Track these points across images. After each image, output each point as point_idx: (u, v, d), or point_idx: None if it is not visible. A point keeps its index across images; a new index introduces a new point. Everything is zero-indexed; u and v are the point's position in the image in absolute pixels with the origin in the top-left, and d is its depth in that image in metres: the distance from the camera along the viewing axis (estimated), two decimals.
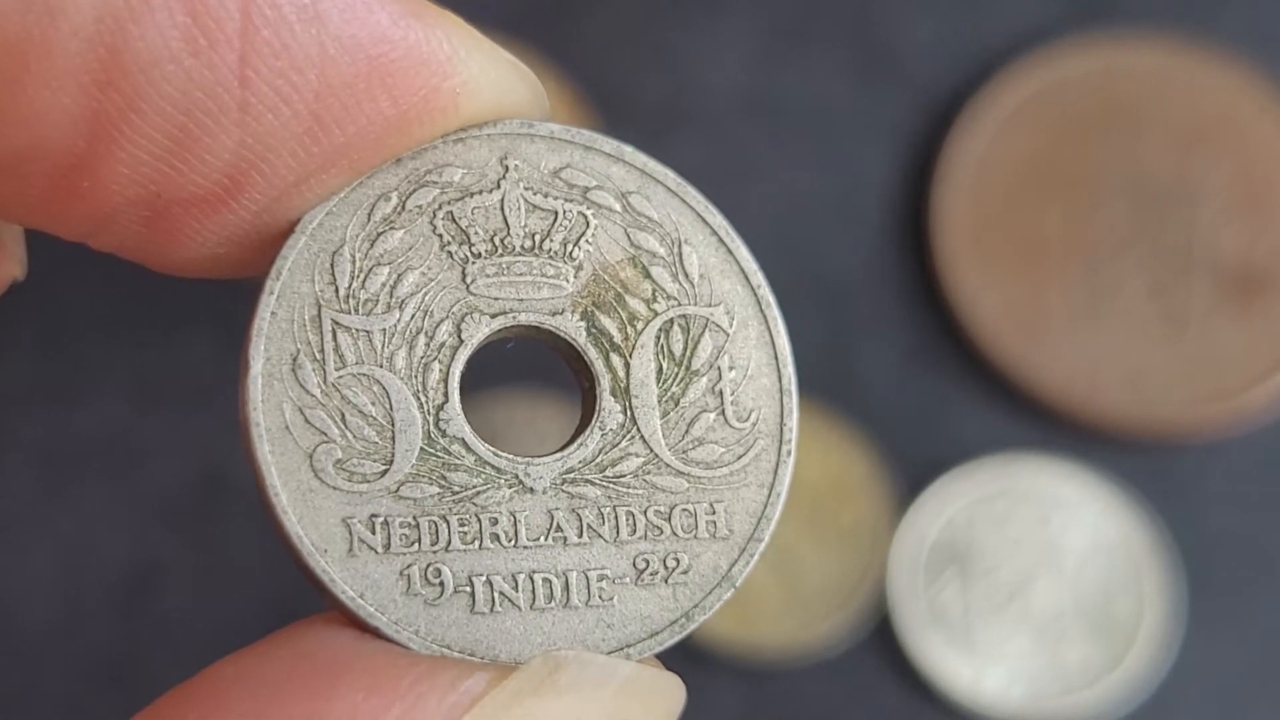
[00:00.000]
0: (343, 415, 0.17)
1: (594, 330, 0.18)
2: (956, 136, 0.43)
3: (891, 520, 0.41)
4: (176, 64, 0.15)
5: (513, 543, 0.17)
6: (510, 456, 0.17)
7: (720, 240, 0.18)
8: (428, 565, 0.17)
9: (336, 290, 0.17)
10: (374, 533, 0.17)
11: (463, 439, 0.17)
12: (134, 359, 0.42)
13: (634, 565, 0.17)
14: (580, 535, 0.17)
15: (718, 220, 0.18)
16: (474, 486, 0.17)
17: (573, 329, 0.18)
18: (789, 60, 0.44)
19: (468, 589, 0.17)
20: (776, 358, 0.18)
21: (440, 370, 0.17)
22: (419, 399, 0.17)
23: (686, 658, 0.39)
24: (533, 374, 0.38)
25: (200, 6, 0.15)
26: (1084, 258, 0.43)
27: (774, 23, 0.44)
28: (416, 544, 0.17)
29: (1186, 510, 0.42)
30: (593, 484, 0.18)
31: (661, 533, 0.18)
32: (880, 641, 0.41)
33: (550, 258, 0.18)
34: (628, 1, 0.44)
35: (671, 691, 0.17)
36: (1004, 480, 0.41)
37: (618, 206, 0.18)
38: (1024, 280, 0.42)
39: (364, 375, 0.17)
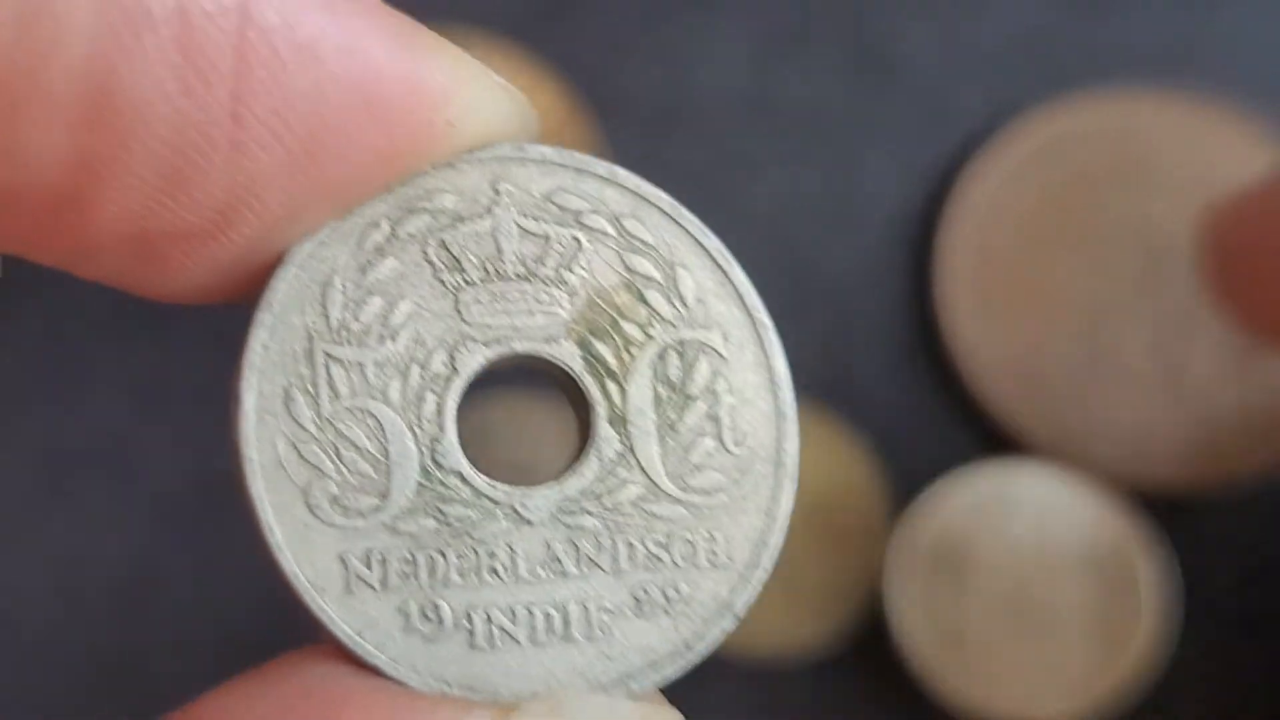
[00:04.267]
0: (337, 449, 0.17)
1: (589, 357, 0.18)
2: (963, 184, 0.43)
3: (888, 523, 0.41)
4: (169, 103, 0.15)
5: (511, 576, 0.17)
6: (507, 488, 0.17)
7: (715, 263, 0.18)
8: (426, 601, 0.17)
9: (328, 321, 0.17)
10: (371, 569, 0.17)
11: (459, 471, 0.17)
12: (133, 359, 0.42)
13: (634, 596, 0.17)
14: (578, 566, 0.17)
15: (713, 243, 0.18)
16: (471, 519, 0.17)
17: (568, 356, 0.18)
18: (787, 62, 0.44)
19: (466, 624, 0.17)
20: (774, 381, 0.18)
21: (435, 401, 0.17)
22: (414, 431, 0.17)
23: None
24: (516, 377, 0.38)
25: (193, 45, 0.15)
26: (1088, 312, 0.42)
27: (772, 25, 0.44)
28: (414, 579, 0.17)
29: (1183, 514, 0.42)
30: (590, 514, 0.17)
31: (661, 562, 0.17)
32: (876, 643, 0.41)
33: (544, 284, 0.18)
34: (626, 2, 0.44)
35: None
36: (1000, 485, 0.41)
37: (611, 230, 0.18)
38: (1026, 331, 0.42)
39: (358, 408, 0.17)
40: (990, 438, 0.42)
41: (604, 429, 0.18)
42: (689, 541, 0.18)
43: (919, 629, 0.41)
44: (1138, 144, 0.43)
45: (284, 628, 0.40)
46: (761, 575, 0.18)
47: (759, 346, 0.18)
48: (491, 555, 0.17)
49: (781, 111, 0.44)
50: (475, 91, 0.17)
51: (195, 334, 0.42)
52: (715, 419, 0.18)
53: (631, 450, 0.18)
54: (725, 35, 0.44)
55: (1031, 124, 0.43)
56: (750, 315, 0.18)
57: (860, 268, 0.43)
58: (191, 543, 0.41)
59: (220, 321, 0.42)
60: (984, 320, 0.42)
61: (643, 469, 0.18)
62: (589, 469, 0.18)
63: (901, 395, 0.42)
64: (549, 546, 0.17)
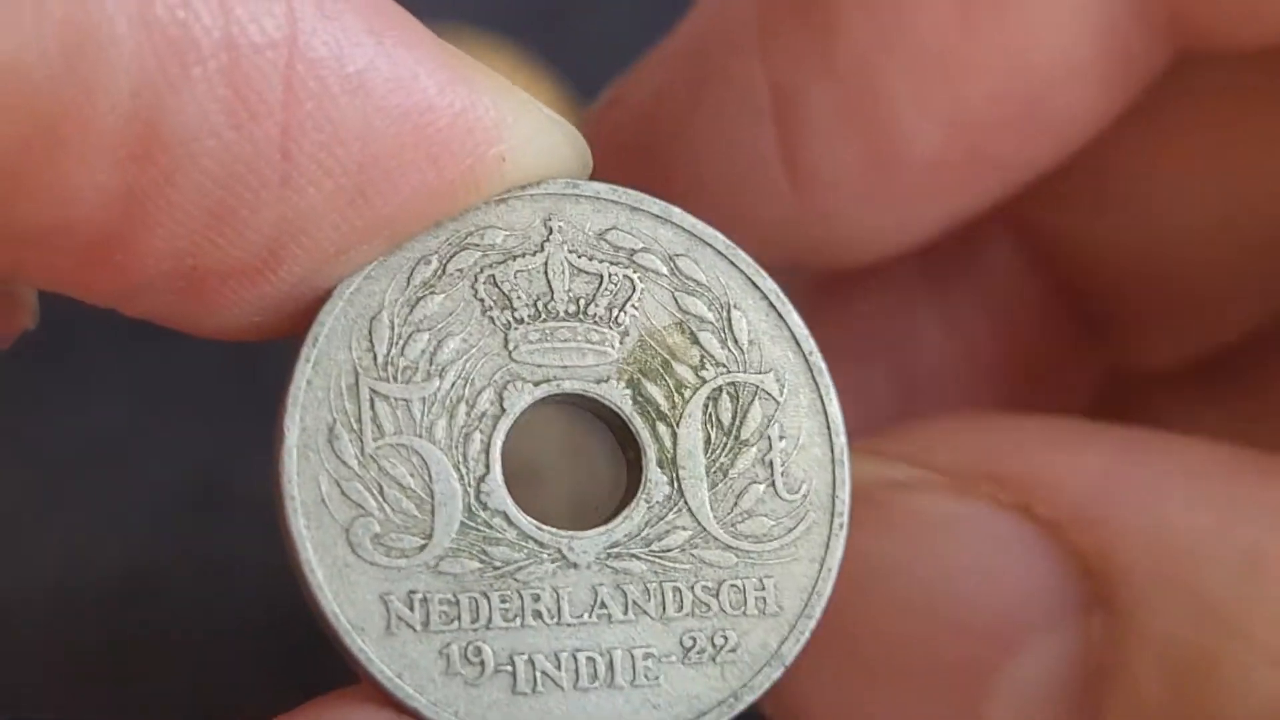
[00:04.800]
0: (380, 488, 0.16)
1: (640, 398, 0.17)
2: None
3: None
4: (216, 137, 0.15)
5: (555, 620, 0.17)
6: (554, 531, 0.17)
7: (771, 304, 0.18)
8: (468, 644, 0.16)
9: (375, 357, 0.17)
10: (412, 610, 0.16)
11: (505, 512, 0.17)
12: (133, 361, 0.41)
13: (681, 643, 0.17)
14: (625, 612, 0.17)
15: (768, 284, 0.18)
16: (516, 561, 0.17)
17: (618, 397, 0.17)
18: None
19: (509, 668, 0.17)
20: (829, 426, 0.18)
21: (481, 440, 0.17)
22: (459, 470, 0.17)
23: None
24: None
25: (242, 78, 0.15)
26: None
27: None
28: (456, 621, 0.16)
29: None
30: (638, 558, 0.17)
31: (709, 609, 0.17)
32: None
33: (595, 323, 0.17)
34: (625, 4, 0.43)
35: None
36: None
37: (665, 270, 0.18)
38: None
39: (403, 446, 0.17)
40: None
41: (654, 472, 0.17)
42: (738, 589, 0.17)
43: None
44: None
45: (283, 626, 0.40)
46: (812, 625, 0.17)
47: (814, 391, 0.18)
48: (536, 599, 0.17)
49: None
50: (528, 125, 0.17)
51: (197, 341, 0.41)
52: (768, 464, 0.18)
53: (681, 494, 0.17)
54: None
55: None
56: (806, 359, 0.18)
57: None
58: (190, 543, 0.41)
59: None
60: None
61: (692, 513, 0.17)
62: (638, 513, 0.17)
63: None
64: (595, 591, 0.17)
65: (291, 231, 0.16)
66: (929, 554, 0.20)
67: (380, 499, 0.16)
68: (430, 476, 0.17)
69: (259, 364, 0.41)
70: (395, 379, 0.17)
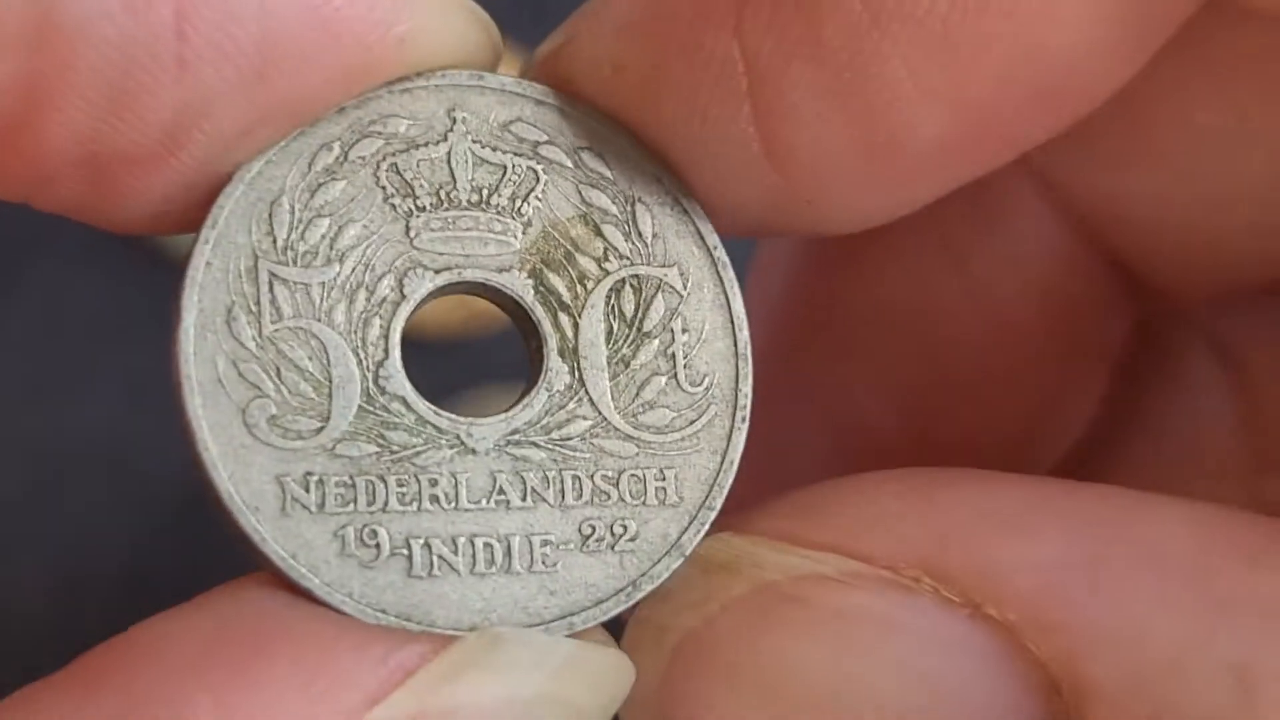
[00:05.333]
0: (278, 370, 0.16)
1: (542, 289, 0.17)
2: None
3: None
4: (111, 21, 0.15)
5: (453, 505, 0.17)
6: (452, 416, 0.17)
7: (676, 200, 0.18)
8: (364, 526, 0.16)
9: (274, 241, 0.17)
10: (308, 491, 0.16)
11: (403, 397, 0.17)
12: (130, 359, 0.42)
13: (579, 531, 0.17)
14: (524, 499, 0.17)
15: (671, 180, 0.18)
16: (414, 446, 0.17)
17: (520, 286, 0.17)
18: None
19: (405, 551, 0.16)
20: (732, 321, 0.18)
21: (381, 326, 0.17)
22: (358, 355, 0.17)
23: None
24: (523, 373, 0.37)
25: None
26: None
27: None
28: (352, 504, 0.16)
29: None
30: (538, 446, 0.17)
31: (609, 498, 0.17)
32: None
33: (498, 213, 0.17)
34: None
35: (617, 671, 0.17)
36: None
37: (569, 163, 0.18)
38: None
39: (301, 329, 0.17)
40: None
41: (554, 361, 0.17)
42: (638, 479, 0.17)
43: None
44: None
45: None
46: (712, 515, 0.17)
47: (718, 286, 0.18)
48: (434, 483, 0.17)
49: None
50: (429, 8, 0.17)
51: None
52: (670, 357, 0.18)
53: (582, 383, 0.17)
54: None
55: None
56: (710, 254, 0.18)
57: None
58: (188, 541, 0.41)
59: None
60: None
61: (593, 403, 0.17)
62: (538, 401, 0.17)
63: None
64: (494, 477, 0.17)
65: (191, 114, 0.16)
66: (863, 661, 0.17)
67: (277, 381, 0.16)
68: (328, 360, 0.17)
69: None
70: (295, 263, 0.17)
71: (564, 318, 0.17)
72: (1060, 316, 0.24)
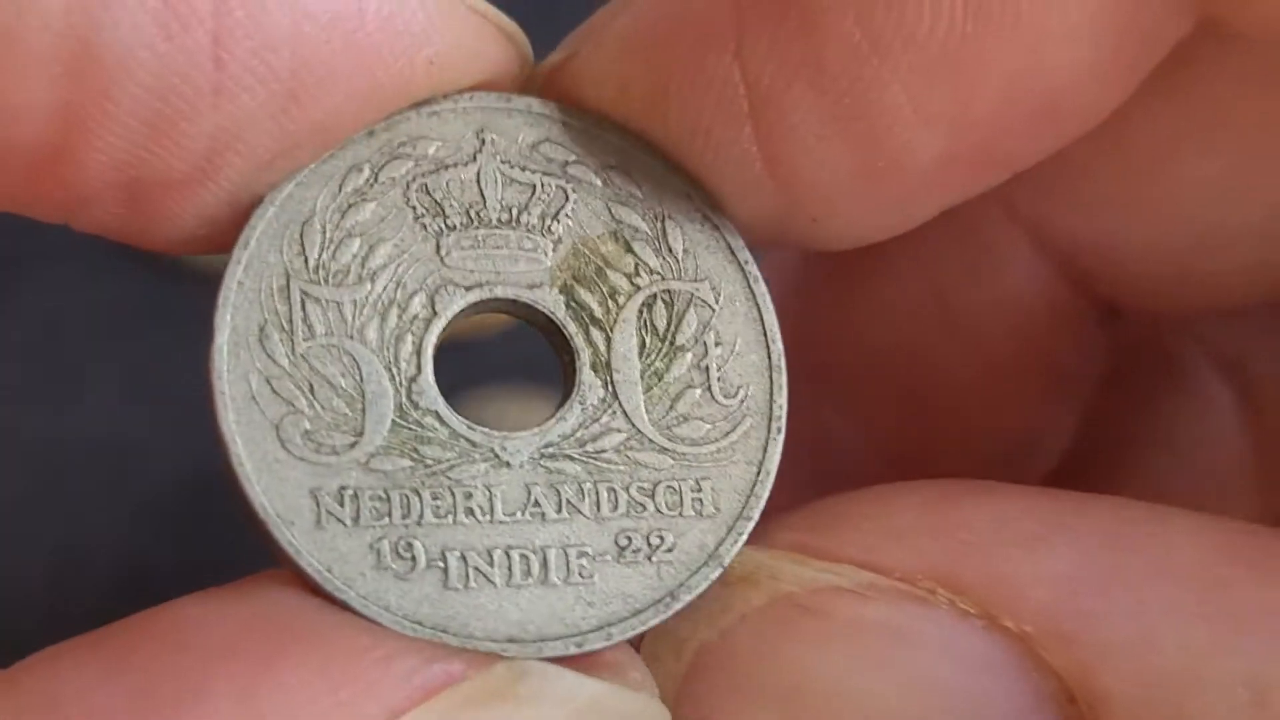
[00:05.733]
0: (311, 386, 0.17)
1: (574, 304, 0.18)
2: None
3: None
4: (149, 49, 0.15)
5: (488, 518, 0.17)
6: (486, 430, 0.17)
7: (706, 216, 0.18)
8: (399, 539, 0.17)
9: (306, 261, 0.17)
10: (343, 505, 0.16)
11: (436, 411, 0.17)
12: (126, 359, 0.42)
13: (616, 542, 0.17)
14: (559, 511, 0.17)
15: (702, 195, 0.18)
16: (448, 460, 0.17)
17: (551, 302, 0.17)
18: None
19: (441, 564, 0.17)
20: (765, 334, 0.18)
21: (413, 342, 0.17)
22: (391, 371, 0.17)
23: None
24: (524, 372, 0.37)
25: None
26: None
27: None
28: (387, 517, 0.17)
29: None
30: (572, 459, 0.17)
31: (645, 510, 0.17)
32: None
33: (528, 231, 0.17)
34: None
35: (643, 716, 0.17)
36: None
37: (598, 181, 0.18)
38: None
39: (334, 347, 0.17)
40: None
41: (587, 375, 0.17)
42: (674, 490, 0.17)
43: None
44: None
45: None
46: (749, 526, 0.17)
47: (750, 300, 0.18)
48: (469, 496, 0.17)
49: None
50: (457, 29, 0.17)
51: (187, 334, 0.42)
52: (704, 370, 0.18)
53: (615, 397, 0.17)
54: None
55: None
56: (742, 268, 0.18)
57: None
58: (186, 541, 0.41)
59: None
60: None
61: (627, 416, 0.17)
62: (571, 414, 0.17)
63: None
64: (529, 490, 0.17)
65: (227, 139, 0.16)
66: (878, 673, 0.17)
67: (311, 397, 0.17)
68: (361, 376, 0.17)
69: None
70: (326, 282, 0.17)
71: (596, 332, 0.18)
72: (1043, 353, 0.25)
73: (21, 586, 0.41)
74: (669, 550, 0.17)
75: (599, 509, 0.17)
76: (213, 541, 0.41)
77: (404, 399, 0.17)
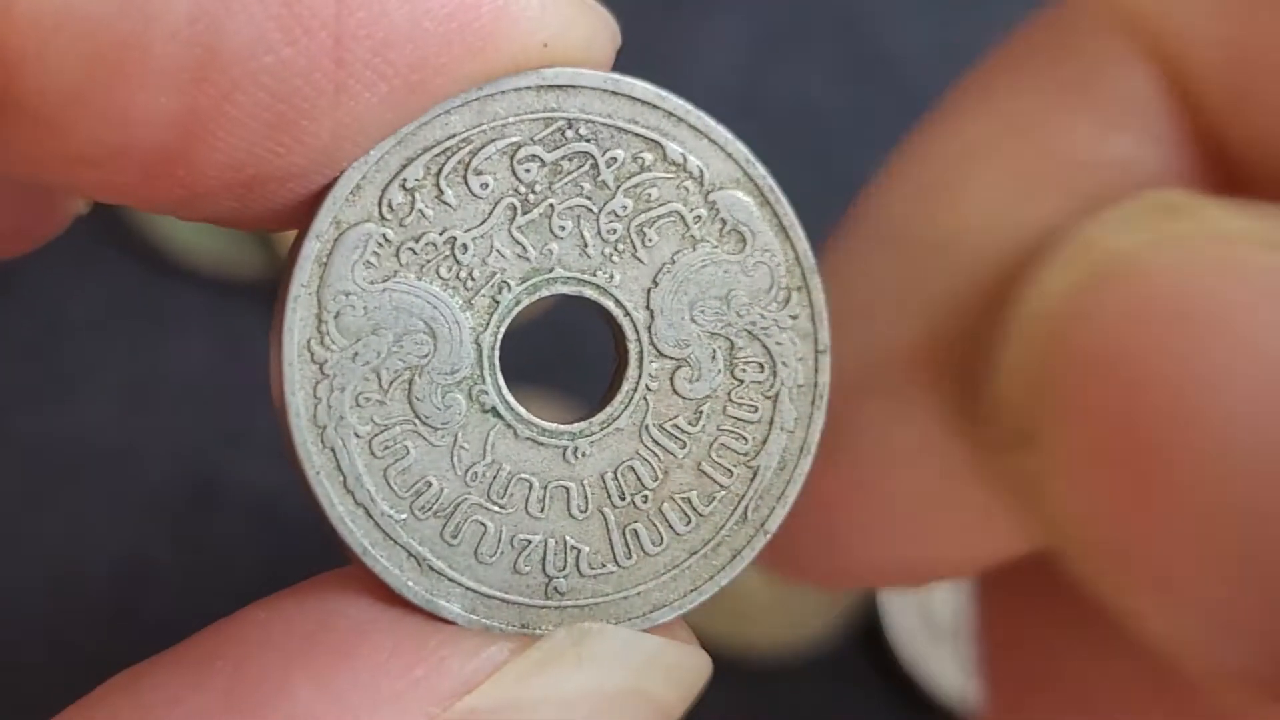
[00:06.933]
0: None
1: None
2: None
3: None
4: (273, 53, 0.15)
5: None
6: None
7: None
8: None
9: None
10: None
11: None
12: (124, 360, 0.42)
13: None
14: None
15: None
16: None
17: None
18: (781, 63, 0.44)
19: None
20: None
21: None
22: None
23: None
24: (520, 374, 0.38)
25: None
26: None
27: (766, 25, 0.44)
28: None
29: None
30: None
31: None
32: (870, 643, 0.41)
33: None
34: (619, 3, 0.44)
35: (695, 666, 0.18)
36: None
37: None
38: None
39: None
40: None
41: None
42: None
43: (912, 627, 0.41)
44: None
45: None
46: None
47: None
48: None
49: (774, 112, 0.44)
50: (566, 12, 0.17)
51: (186, 336, 0.42)
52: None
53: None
54: (719, 36, 0.44)
55: None
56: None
57: None
58: (181, 546, 0.41)
59: (212, 323, 0.42)
60: None
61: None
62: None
63: None
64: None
65: (347, 134, 0.16)
66: None
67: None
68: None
69: (251, 360, 0.42)
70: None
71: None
72: None
73: (21, 588, 0.41)
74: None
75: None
76: (212, 545, 0.42)
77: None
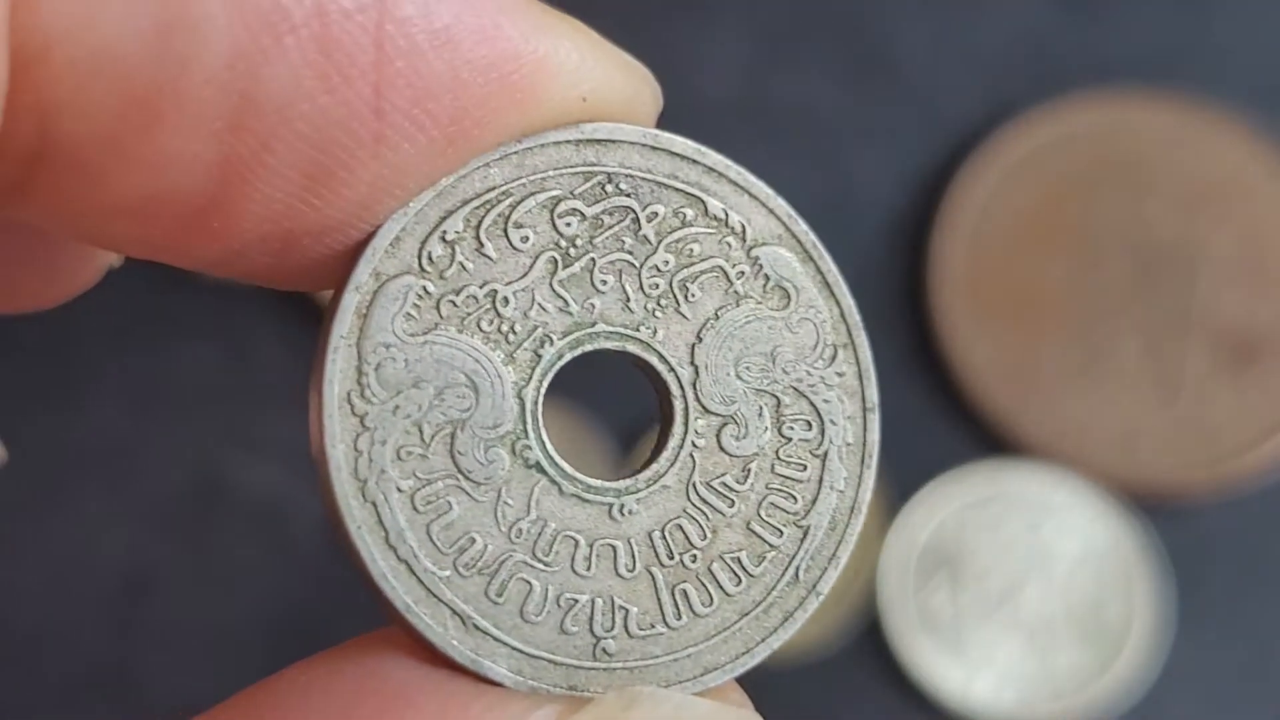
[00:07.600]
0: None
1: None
2: (958, 186, 0.43)
3: (883, 523, 0.42)
4: (311, 102, 0.15)
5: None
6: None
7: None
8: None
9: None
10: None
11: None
12: (131, 364, 0.42)
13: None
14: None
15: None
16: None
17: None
18: (782, 65, 0.44)
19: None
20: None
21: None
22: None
23: None
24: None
25: (333, 42, 0.15)
26: (1080, 314, 0.43)
27: (767, 27, 0.44)
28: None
29: (1176, 515, 0.42)
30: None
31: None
32: (870, 645, 0.41)
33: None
34: (621, 5, 0.44)
35: None
36: (995, 485, 0.41)
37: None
38: (1019, 333, 0.43)
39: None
40: (984, 439, 0.42)
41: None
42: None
43: (913, 628, 0.41)
44: (1131, 146, 0.43)
45: (279, 630, 0.40)
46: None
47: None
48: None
49: (776, 114, 0.44)
50: (607, 67, 0.17)
51: (193, 340, 0.42)
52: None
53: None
54: (720, 38, 0.44)
55: (1025, 126, 0.43)
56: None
57: (854, 270, 0.43)
58: (187, 549, 0.41)
59: (217, 327, 0.42)
60: (978, 322, 0.42)
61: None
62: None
63: (896, 396, 0.43)
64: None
65: (385, 185, 0.16)
66: None
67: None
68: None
69: (254, 364, 0.42)
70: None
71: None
72: None
73: (24, 594, 0.41)
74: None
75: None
76: (218, 549, 0.42)
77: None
